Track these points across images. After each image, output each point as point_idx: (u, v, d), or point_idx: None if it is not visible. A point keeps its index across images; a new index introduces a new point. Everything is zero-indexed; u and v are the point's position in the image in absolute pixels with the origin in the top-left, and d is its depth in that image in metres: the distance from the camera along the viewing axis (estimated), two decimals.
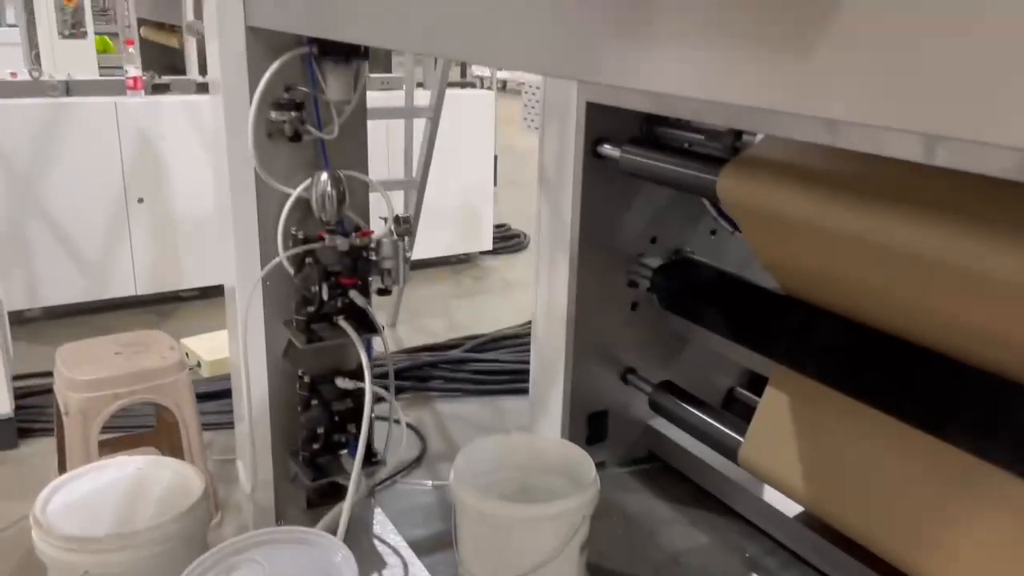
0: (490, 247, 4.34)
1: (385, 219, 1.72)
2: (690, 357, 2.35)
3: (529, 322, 3.53)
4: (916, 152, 1.03)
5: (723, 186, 1.64)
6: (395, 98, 3.40)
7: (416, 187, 2.86)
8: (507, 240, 4.65)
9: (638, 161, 1.89)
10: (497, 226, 4.53)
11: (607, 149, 1.97)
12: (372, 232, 1.68)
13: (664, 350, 2.30)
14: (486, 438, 1.77)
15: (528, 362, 2.42)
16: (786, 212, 1.52)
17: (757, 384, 2.46)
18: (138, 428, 2.26)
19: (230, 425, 2.51)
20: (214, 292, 3.60)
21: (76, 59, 5.15)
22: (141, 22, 6.81)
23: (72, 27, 5.37)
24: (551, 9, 0.72)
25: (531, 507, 1.53)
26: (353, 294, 1.64)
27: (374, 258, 1.68)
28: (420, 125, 2.93)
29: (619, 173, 1.98)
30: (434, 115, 2.75)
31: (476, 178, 4.21)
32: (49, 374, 2.69)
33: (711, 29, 0.56)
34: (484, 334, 3.20)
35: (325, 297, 1.62)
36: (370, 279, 1.72)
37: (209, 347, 2.98)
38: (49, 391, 2.60)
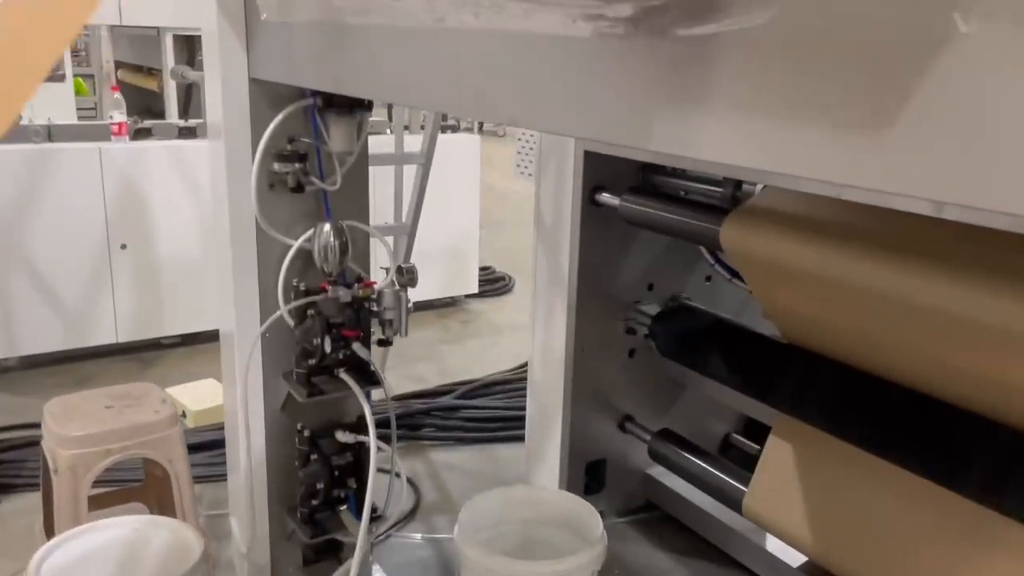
0: (476, 290, 4.33)
1: (386, 269, 1.70)
2: (686, 403, 2.34)
3: (520, 367, 3.53)
4: (923, 206, 1.03)
5: (726, 236, 1.64)
6: (379, 143, 3.39)
7: (407, 232, 2.84)
8: (492, 283, 4.64)
9: (638, 210, 1.89)
10: (482, 268, 4.52)
11: (606, 197, 1.97)
12: (375, 283, 1.66)
13: (661, 397, 2.29)
14: (489, 492, 1.74)
15: (521, 408, 2.40)
16: (790, 262, 1.52)
17: (753, 430, 2.45)
18: (125, 482, 2.20)
19: (218, 478, 2.45)
20: (196, 339, 3.55)
21: (55, 103, 5.11)
22: (118, 64, 6.79)
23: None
24: (597, 73, 0.71)
25: (541, 564, 1.49)
26: (356, 346, 1.61)
27: (375, 309, 1.66)
28: (409, 170, 2.92)
29: (617, 220, 1.98)
30: (426, 161, 2.75)
31: (462, 221, 4.21)
32: (29, 426, 2.63)
33: (775, 101, 0.56)
34: (475, 380, 3.17)
35: (328, 350, 1.59)
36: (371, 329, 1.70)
37: (194, 396, 2.92)
38: (30, 444, 2.53)
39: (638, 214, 1.89)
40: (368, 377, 1.67)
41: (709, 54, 0.61)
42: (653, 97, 0.66)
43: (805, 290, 1.54)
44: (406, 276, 1.65)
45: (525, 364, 3.32)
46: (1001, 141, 0.44)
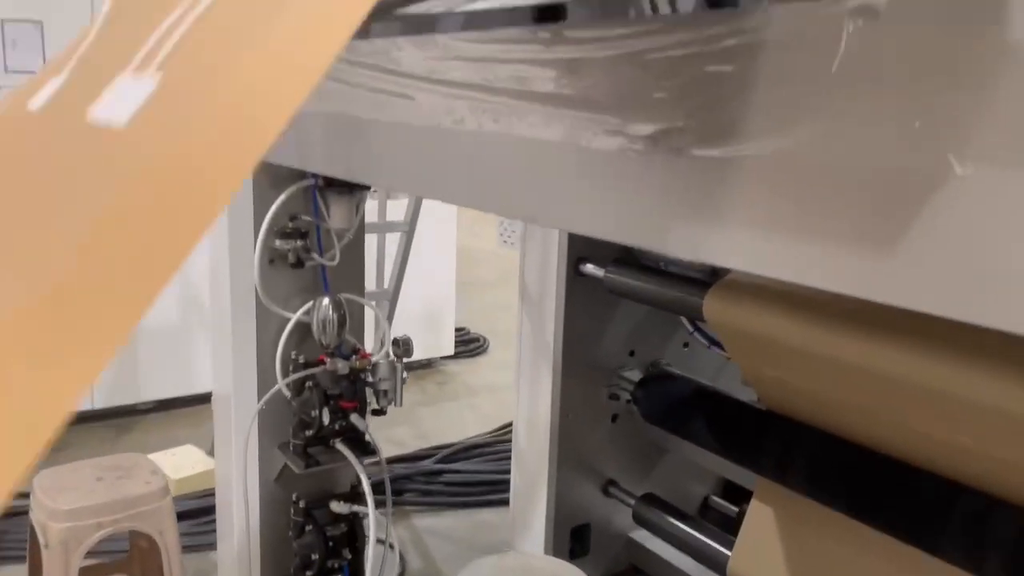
0: (452, 352, 4.37)
1: (382, 341, 1.75)
2: (667, 466, 2.39)
3: (499, 429, 3.56)
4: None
5: (709, 308, 1.71)
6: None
7: (388, 298, 2.89)
8: (467, 344, 4.68)
9: (623, 282, 1.97)
10: (456, 330, 4.57)
11: (590, 268, 2.05)
12: (371, 355, 1.71)
13: (643, 461, 2.34)
14: (481, 560, 1.77)
15: (503, 472, 2.43)
16: (772, 334, 1.60)
17: (732, 492, 2.51)
18: (110, 553, 2.18)
19: (202, 547, 2.44)
20: (173, 405, 3.52)
21: None
22: None
23: None
24: (615, 181, 0.78)
25: None
26: (354, 418, 1.65)
27: (370, 379, 1.70)
28: (391, 236, 2.99)
29: (600, 290, 2.05)
30: (409, 228, 2.81)
31: (438, 283, 4.26)
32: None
33: (787, 219, 0.63)
34: (455, 443, 3.19)
35: (326, 421, 1.63)
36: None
37: (173, 464, 2.90)
38: (14, 515, 2.49)
39: (622, 286, 1.97)
40: (363, 447, 1.70)
41: (724, 174, 0.68)
42: (670, 207, 0.73)
43: (786, 360, 1.62)
44: (401, 348, 1.69)
45: (504, 426, 3.36)
46: (989, 267, 0.51)
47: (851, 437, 1.62)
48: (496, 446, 3.11)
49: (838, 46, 0.57)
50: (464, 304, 5.22)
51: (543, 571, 1.76)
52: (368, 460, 1.70)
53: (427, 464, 2.99)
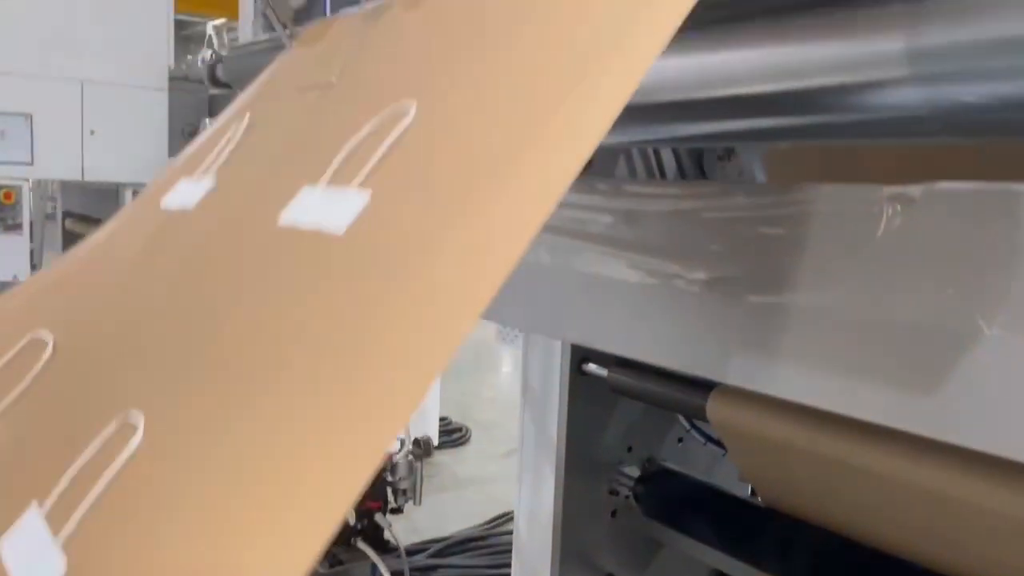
0: (436, 443, 4.41)
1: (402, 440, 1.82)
2: (663, 562, 2.46)
3: (491, 522, 3.59)
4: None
5: (712, 408, 1.82)
6: None
7: None
8: (450, 434, 4.72)
9: (626, 382, 2.07)
10: (440, 419, 4.62)
11: (593, 368, 2.16)
12: (393, 454, 1.78)
13: (641, 556, 2.41)
14: None
15: (499, 566, 2.47)
16: (772, 435, 1.71)
17: None
18: None
19: None
20: None
21: (10, 255, 5.14)
22: (66, 214, 6.87)
23: (8, 224, 5.38)
24: (672, 311, 0.90)
25: None
26: (379, 517, 1.71)
27: (390, 479, 1.77)
28: None
29: (602, 388, 2.16)
30: None
31: None
32: None
33: (836, 360, 0.75)
34: (446, 537, 3.22)
35: (351, 521, 1.69)
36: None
37: None
38: None
39: (626, 385, 2.08)
40: (382, 545, 1.76)
41: (775, 316, 0.80)
42: (726, 341, 0.85)
43: (785, 460, 1.72)
44: (422, 448, 1.77)
45: (496, 518, 3.39)
46: (1014, 409, 0.63)
47: (848, 534, 1.72)
48: (490, 539, 3.15)
49: (879, 222, 0.70)
50: (443, 394, 5.28)
51: None
52: (387, 556, 1.76)
53: (420, 559, 3.01)
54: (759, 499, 1.97)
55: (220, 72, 1.61)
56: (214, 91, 1.89)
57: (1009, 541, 1.35)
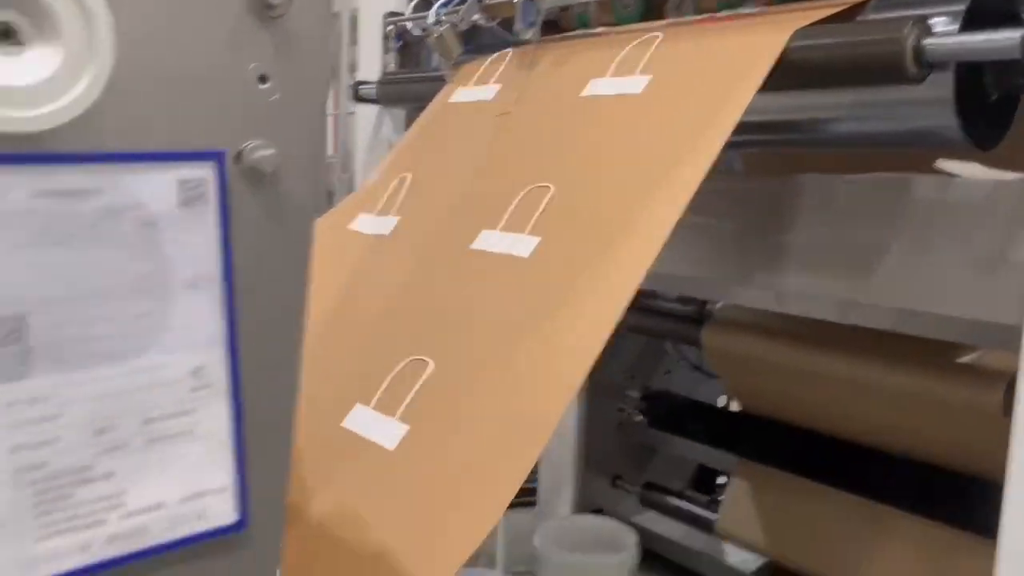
0: None
1: None
2: (655, 465, 3.11)
3: None
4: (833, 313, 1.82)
5: (707, 336, 2.46)
6: None
7: None
8: None
9: (632, 321, 2.69)
10: None
11: None
12: None
13: (641, 460, 3.05)
14: (553, 522, 2.42)
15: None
16: (756, 354, 2.36)
17: (699, 484, 3.23)
18: None
19: None
20: None
21: None
22: None
23: None
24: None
25: (600, 557, 2.20)
26: None
27: None
28: None
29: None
30: None
31: None
32: None
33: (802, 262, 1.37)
34: None
35: None
36: None
37: None
38: None
39: (631, 322, 2.70)
40: None
41: (754, 240, 1.41)
42: (715, 263, 1.46)
43: (767, 373, 2.37)
44: None
45: None
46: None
47: (815, 428, 2.36)
48: None
49: None
50: None
51: (606, 529, 2.42)
52: None
53: None
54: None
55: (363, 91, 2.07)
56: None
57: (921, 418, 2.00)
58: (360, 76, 2.21)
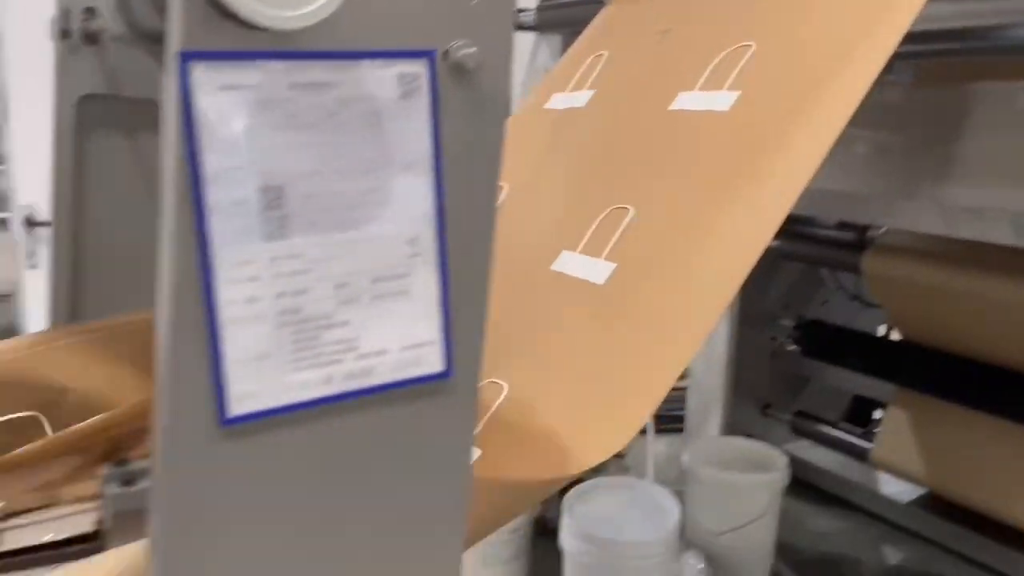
0: None
1: None
2: (807, 395, 3.10)
3: None
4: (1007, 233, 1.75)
5: (868, 262, 2.42)
6: None
7: None
8: None
9: (789, 248, 2.68)
10: None
11: None
12: None
13: (793, 389, 3.05)
14: (703, 443, 2.48)
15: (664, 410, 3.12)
16: (919, 280, 2.30)
17: (853, 417, 3.20)
18: None
19: None
20: None
21: None
22: None
23: None
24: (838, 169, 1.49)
25: (751, 476, 2.24)
26: None
27: None
28: None
29: (768, 255, 2.75)
30: None
31: None
32: None
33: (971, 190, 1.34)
34: None
35: None
36: None
37: None
38: None
39: (788, 250, 2.68)
40: None
41: (922, 163, 1.39)
42: (879, 187, 1.44)
43: (930, 300, 2.31)
44: None
45: None
46: None
47: (980, 357, 2.30)
48: None
49: None
50: None
51: (755, 450, 2.46)
52: None
53: None
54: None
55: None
56: None
57: None
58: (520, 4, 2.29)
